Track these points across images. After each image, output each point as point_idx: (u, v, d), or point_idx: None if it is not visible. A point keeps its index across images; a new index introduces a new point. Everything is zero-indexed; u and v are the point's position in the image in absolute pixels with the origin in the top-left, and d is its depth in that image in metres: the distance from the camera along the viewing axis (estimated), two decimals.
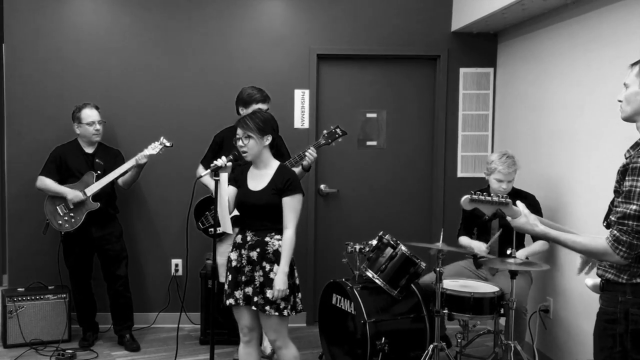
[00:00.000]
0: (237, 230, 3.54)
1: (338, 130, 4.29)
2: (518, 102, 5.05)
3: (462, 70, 5.44)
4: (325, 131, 4.33)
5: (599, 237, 2.31)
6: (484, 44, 5.41)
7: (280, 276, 3.30)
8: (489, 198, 2.48)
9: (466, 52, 5.42)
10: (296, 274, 3.46)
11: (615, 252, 2.24)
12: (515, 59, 5.10)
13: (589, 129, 4.05)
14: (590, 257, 2.38)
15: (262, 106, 4.36)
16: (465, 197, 2.49)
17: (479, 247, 4.28)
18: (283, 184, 3.35)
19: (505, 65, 5.29)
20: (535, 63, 4.75)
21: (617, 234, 2.24)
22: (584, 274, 2.62)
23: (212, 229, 4.66)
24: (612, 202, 2.41)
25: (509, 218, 2.51)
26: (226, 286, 3.47)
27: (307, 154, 4.22)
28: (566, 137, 4.32)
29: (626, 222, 2.22)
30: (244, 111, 4.39)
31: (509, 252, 3.86)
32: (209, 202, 4.60)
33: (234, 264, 3.43)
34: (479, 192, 2.52)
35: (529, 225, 2.47)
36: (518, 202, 2.52)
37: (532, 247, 4.26)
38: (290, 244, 3.35)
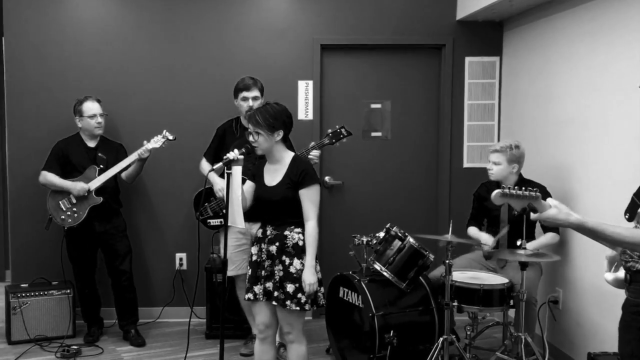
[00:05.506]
0: (251, 224, 3.47)
1: (343, 130, 4.25)
2: (524, 91, 4.98)
3: (468, 59, 5.37)
4: (330, 130, 4.28)
5: (637, 229, 2.23)
6: (489, 33, 5.34)
7: (308, 270, 3.26)
8: (519, 192, 2.39)
9: (471, 40, 5.35)
10: (318, 268, 3.38)
11: None
12: (521, 47, 5.03)
13: (597, 117, 3.99)
14: (631, 248, 2.26)
15: (246, 94, 4.35)
16: (497, 191, 2.41)
17: (487, 240, 4.24)
18: (297, 176, 3.30)
19: (511, 54, 5.22)
20: (541, 51, 4.69)
21: None
22: (609, 272, 2.55)
23: (211, 221, 4.62)
24: (635, 194, 2.34)
25: (533, 215, 2.41)
26: (247, 281, 3.46)
27: (311, 156, 4.17)
28: (574, 125, 4.26)
29: None
30: (236, 102, 4.43)
31: (519, 243, 3.81)
32: (208, 193, 4.55)
33: (254, 258, 3.42)
34: (509, 187, 2.44)
35: (562, 215, 2.28)
36: (549, 199, 2.42)
37: (542, 240, 4.19)
38: (313, 236, 3.29)
